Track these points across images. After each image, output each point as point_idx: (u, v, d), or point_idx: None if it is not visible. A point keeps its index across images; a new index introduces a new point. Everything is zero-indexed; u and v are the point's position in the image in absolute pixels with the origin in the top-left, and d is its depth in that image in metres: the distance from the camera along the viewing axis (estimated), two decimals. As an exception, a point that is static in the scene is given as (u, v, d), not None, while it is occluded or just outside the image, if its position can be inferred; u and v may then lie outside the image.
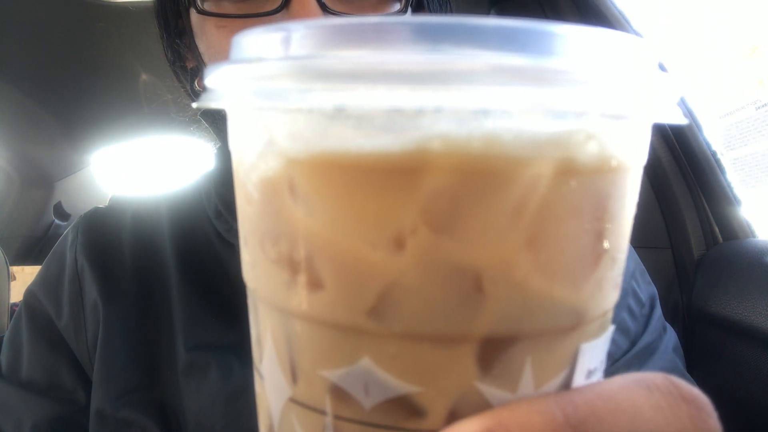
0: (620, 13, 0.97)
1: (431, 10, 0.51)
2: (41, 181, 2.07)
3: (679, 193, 0.97)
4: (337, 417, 0.15)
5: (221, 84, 0.15)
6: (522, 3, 1.07)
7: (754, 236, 0.92)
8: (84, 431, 0.48)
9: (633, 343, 0.50)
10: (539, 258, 0.13)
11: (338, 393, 0.14)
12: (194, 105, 0.17)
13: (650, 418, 0.13)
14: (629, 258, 0.55)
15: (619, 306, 0.51)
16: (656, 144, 0.98)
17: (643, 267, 0.57)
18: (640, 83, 0.13)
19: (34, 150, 1.95)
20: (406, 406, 0.14)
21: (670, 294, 0.98)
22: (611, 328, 0.16)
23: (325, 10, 0.41)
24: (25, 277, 1.94)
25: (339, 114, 0.13)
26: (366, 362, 0.14)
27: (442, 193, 0.13)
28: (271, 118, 0.14)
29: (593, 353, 0.15)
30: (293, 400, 0.16)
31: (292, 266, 0.15)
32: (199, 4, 0.44)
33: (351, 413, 0.14)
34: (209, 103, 0.16)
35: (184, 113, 0.59)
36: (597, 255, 0.14)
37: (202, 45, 0.47)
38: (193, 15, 0.47)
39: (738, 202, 0.93)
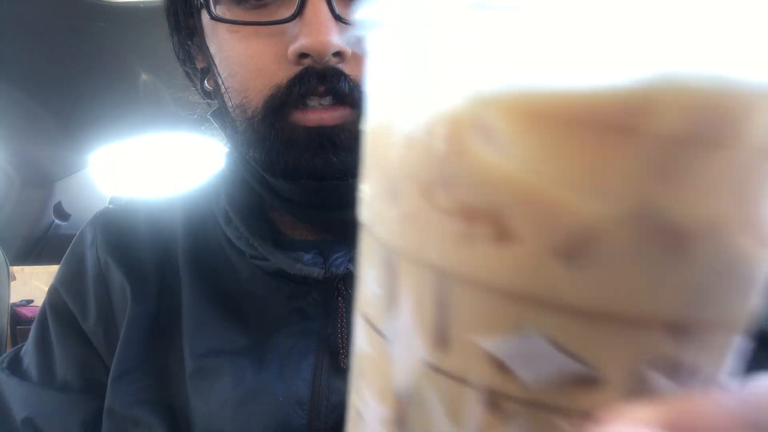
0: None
1: None
2: (41, 181, 2.07)
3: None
4: (491, 391, 0.14)
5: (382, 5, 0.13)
6: (522, 3, 1.07)
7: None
8: None
9: None
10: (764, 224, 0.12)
11: (495, 364, 0.13)
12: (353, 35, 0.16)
13: None
14: None
15: None
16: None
17: None
18: None
19: (34, 150, 1.95)
20: (572, 386, 0.13)
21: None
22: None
23: (339, 20, 0.41)
24: (25, 277, 1.94)
25: (552, 47, 0.12)
26: (534, 332, 0.13)
27: (670, 141, 0.11)
28: (461, 43, 0.12)
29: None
30: (434, 368, 0.14)
31: (472, 216, 0.13)
32: (213, 10, 0.44)
33: (506, 388, 0.14)
34: (367, 26, 0.14)
35: (192, 112, 0.59)
36: None
37: (213, 47, 0.47)
38: (205, 16, 0.47)
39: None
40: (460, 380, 0.14)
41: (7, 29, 1.35)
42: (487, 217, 0.13)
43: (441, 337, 0.14)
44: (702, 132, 0.11)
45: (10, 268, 1.66)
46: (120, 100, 1.64)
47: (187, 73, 0.54)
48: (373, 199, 0.16)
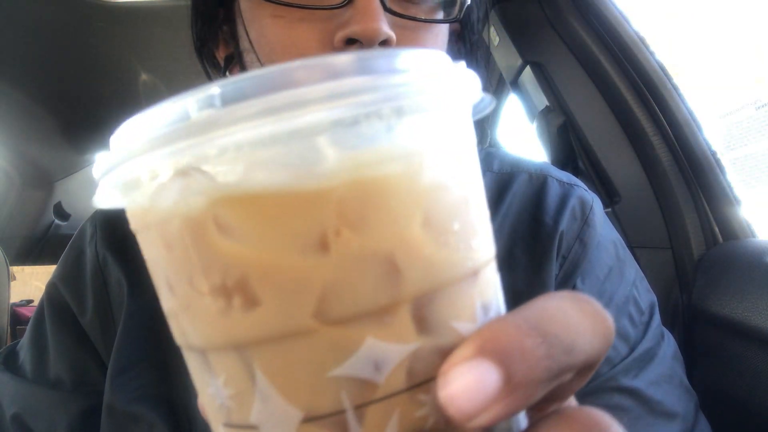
0: (620, 12, 0.97)
1: (468, 29, 0.52)
2: (41, 181, 2.07)
3: (679, 193, 0.97)
4: (357, 407, 0.16)
5: (122, 146, 0.17)
6: (522, 3, 1.07)
7: (754, 236, 0.92)
8: None
9: (632, 349, 0.50)
10: (429, 233, 0.17)
11: (352, 383, 0.16)
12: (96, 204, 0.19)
13: (573, 314, 0.18)
14: (630, 267, 0.55)
15: (620, 313, 0.51)
16: (656, 144, 0.98)
17: (643, 275, 0.56)
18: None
19: (34, 150, 1.95)
20: (405, 370, 0.16)
21: (670, 294, 0.98)
22: (497, 276, 0.20)
23: (386, 9, 0.42)
24: (25, 277, 1.94)
25: (256, 155, 0.16)
26: (369, 341, 0.16)
27: (353, 200, 0.16)
28: (190, 164, 0.16)
29: (487, 289, 0.19)
30: (308, 419, 0.16)
31: (226, 293, 0.16)
32: None
33: (369, 395, 0.16)
34: (107, 171, 0.17)
35: None
36: (471, 225, 0.18)
37: (253, 32, 0.46)
38: (245, 2, 0.46)
39: (738, 202, 0.93)
40: (332, 414, 0.16)
41: (7, 29, 1.35)
42: (235, 291, 0.16)
43: (300, 393, 0.16)
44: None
45: (10, 268, 1.66)
46: (120, 101, 1.64)
47: (202, 64, 0.54)
48: (162, 299, 0.19)
